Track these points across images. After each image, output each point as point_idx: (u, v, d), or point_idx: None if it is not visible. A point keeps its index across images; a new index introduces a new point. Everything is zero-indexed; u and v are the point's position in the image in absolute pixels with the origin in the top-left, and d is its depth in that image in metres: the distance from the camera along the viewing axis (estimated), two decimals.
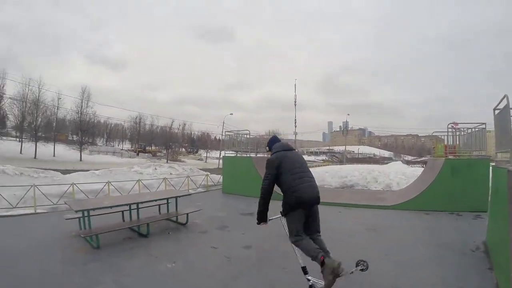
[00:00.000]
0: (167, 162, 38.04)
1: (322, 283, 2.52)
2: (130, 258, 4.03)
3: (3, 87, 34.30)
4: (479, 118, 7.27)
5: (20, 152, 33.70)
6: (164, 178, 10.82)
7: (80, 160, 36.61)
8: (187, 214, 5.84)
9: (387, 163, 30.91)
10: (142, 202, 5.48)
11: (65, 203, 5.70)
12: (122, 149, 52.24)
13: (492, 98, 4.56)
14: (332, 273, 2.39)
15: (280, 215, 2.85)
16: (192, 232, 5.42)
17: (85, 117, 40.69)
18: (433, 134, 10.97)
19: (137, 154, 48.69)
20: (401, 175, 12.47)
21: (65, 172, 12.18)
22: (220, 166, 16.02)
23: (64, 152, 37.34)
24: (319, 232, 2.86)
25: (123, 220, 5.56)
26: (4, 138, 35.56)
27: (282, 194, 2.82)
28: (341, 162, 56.99)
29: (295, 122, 39.86)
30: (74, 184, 8.22)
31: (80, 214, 4.72)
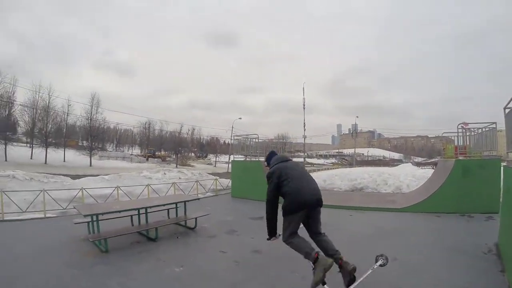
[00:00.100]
0: (176, 167, 38.43)
1: None
2: (138, 262, 4.02)
3: (14, 94, 35.09)
4: (492, 118, 7.07)
5: (31, 158, 34.50)
6: (173, 183, 10.87)
7: (90, 165, 37.32)
8: (196, 218, 5.81)
9: (397, 165, 30.47)
10: (151, 207, 5.48)
11: (74, 208, 5.78)
12: (131, 154, 52.71)
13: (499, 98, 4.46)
14: (324, 270, 2.51)
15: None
16: (200, 237, 5.38)
17: (95, 123, 41.52)
18: (443, 135, 10.80)
19: (147, 159, 49.20)
20: (411, 177, 12.23)
21: (75, 177, 12.35)
22: (229, 170, 16.06)
23: (74, 157, 37.98)
24: (320, 233, 2.89)
25: (132, 225, 5.56)
26: (15, 144, 36.08)
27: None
28: (350, 164, 56.33)
29: (304, 126, 39.56)
30: (84, 189, 8.33)
31: (89, 219, 4.75)
